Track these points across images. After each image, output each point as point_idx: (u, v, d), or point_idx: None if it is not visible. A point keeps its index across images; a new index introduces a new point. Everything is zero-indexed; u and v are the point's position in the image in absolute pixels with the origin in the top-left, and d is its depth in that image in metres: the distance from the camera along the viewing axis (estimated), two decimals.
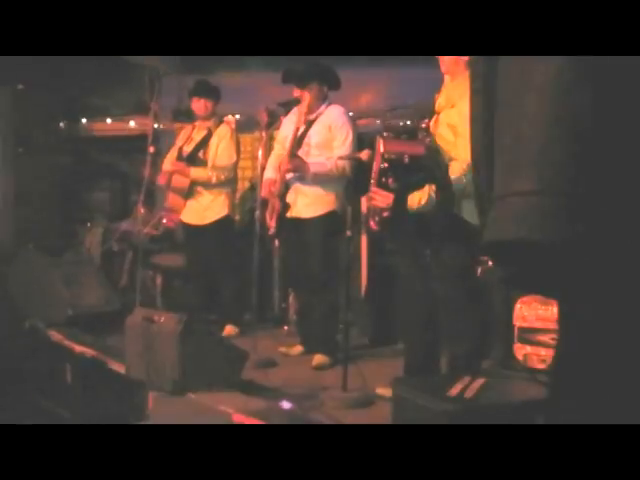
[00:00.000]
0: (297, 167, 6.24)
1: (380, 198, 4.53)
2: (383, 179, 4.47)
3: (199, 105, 7.42)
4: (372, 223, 4.77)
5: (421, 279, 4.88)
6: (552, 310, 5.29)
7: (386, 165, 4.43)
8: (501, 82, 1.99)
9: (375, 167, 4.65)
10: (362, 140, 6.49)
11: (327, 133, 6.26)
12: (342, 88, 6.51)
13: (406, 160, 4.40)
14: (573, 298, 2.05)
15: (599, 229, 1.81)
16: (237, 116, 8.65)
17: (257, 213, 6.57)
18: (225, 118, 7.59)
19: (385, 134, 4.63)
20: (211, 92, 7.47)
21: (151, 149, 8.07)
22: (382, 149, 4.46)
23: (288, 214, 6.40)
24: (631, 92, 1.80)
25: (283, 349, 6.64)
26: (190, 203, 7.42)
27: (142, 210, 8.29)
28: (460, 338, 4.78)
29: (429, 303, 4.84)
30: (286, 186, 6.39)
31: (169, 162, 7.58)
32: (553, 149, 1.82)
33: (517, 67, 1.91)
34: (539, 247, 1.86)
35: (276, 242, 7.57)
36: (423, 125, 4.78)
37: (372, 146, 6.56)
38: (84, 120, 10.45)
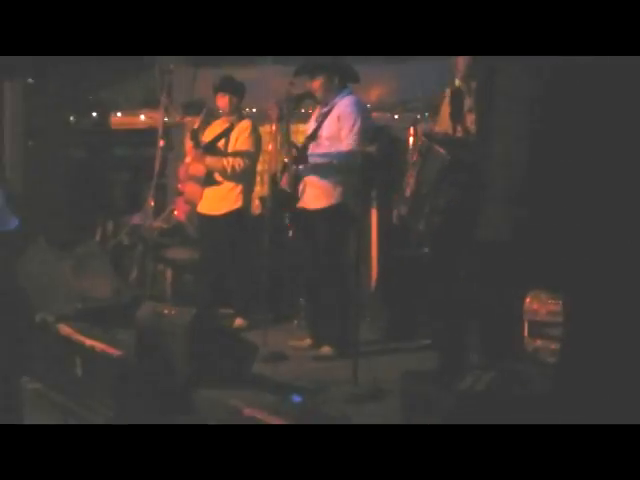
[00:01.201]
0: (297, 160, 6.33)
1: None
2: (452, 175, 4.49)
3: (224, 101, 7.46)
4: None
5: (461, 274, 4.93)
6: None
7: (453, 162, 4.46)
8: (489, 99, 2.01)
9: (431, 169, 4.65)
10: (372, 134, 6.49)
11: (336, 124, 6.28)
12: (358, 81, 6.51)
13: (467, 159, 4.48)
14: (573, 295, 2.07)
15: (584, 229, 1.84)
16: (253, 109, 8.63)
17: (268, 206, 6.59)
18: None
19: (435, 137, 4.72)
20: (236, 88, 7.50)
21: (161, 143, 8.08)
22: (442, 150, 4.50)
23: (298, 204, 6.44)
24: (599, 106, 1.82)
25: (293, 342, 6.65)
26: (207, 192, 7.47)
27: (153, 203, 8.31)
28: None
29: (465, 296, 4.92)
30: (297, 177, 6.43)
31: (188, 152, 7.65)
32: (523, 160, 1.85)
33: (500, 85, 1.94)
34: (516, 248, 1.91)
35: (289, 235, 7.59)
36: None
37: (381, 139, 6.57)
38: (94, 114, 10.45)
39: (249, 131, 7.42)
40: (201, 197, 7.51)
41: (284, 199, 6.60)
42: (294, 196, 6.47)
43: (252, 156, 7.44)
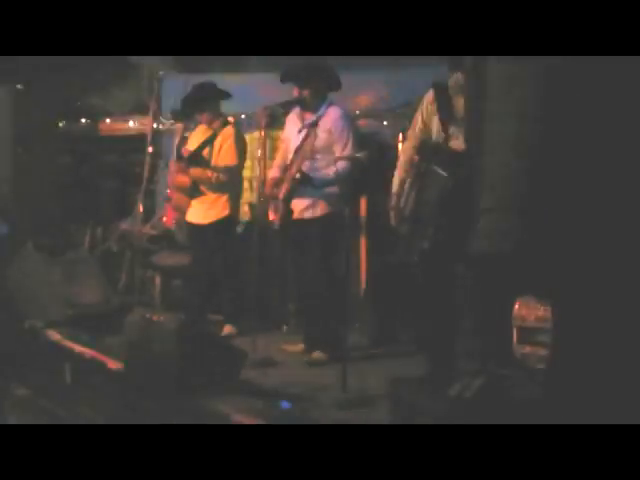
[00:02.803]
0: (302, 182, 6.30)
1: None
2: (415, 158, 4.56)
3: (202, 117, 7.42)
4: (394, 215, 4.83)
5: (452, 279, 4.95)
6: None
7: (418, 147, 4.53)
8: (486, 97, 2.01)
9: (403, 158, 4.71)
10: (361, 141, 6.50)
11: (328, 137, 6.26)
12: (341, 88, 6.50)
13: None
14: (563, 301, 2.08)
15: (571, 237, 1.84)
16: (242, 116, 8.59)
17: (257, 213, 6.58)
18: (230, 119, 7.54)
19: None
20: (213, 94, 7.45)
21: (150, 149, 8.06)
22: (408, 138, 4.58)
23: (293, 216, 6.43)
24: (606, 105, 1.82)
25: (286, 346, 6.65)
26: (194, 202, 7.43)
27: (141, 210, 8.29)
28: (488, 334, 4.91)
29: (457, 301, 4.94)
30: (292, 190, 6.43)
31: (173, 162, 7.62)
32: (509, 169, 1.86)
33: (494, 89, 1.94)
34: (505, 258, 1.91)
35: (275, 242, 7.59)
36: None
37: (370, 146, 6.57)
38: (83, 120, 10.43)
39: (233, 138, 7.35)
40: (189, 206, 7.49)
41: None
42: (287, 206, 6.47)
43: (237, 164, 7.39)
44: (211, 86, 7.48)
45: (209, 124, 7.43)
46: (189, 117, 7.77)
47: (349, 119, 6.40)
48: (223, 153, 7.30)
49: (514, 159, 1.85)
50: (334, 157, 6.16)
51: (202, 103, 7.37)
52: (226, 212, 7.37)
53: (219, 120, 7.44)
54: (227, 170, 7.26)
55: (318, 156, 6.25)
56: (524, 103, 1.86)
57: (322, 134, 6.27)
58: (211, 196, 7.35)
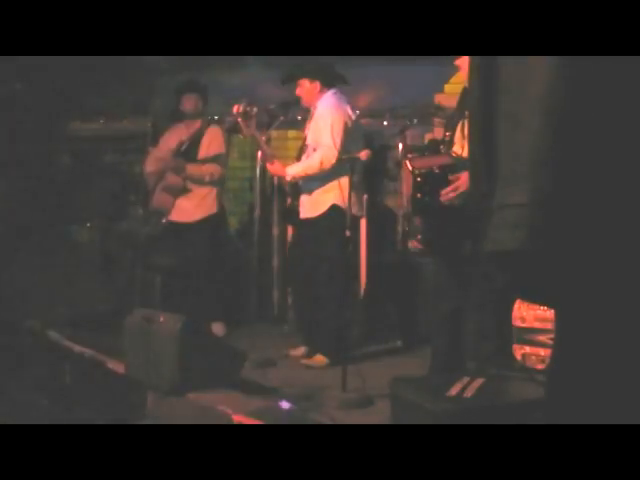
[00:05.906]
0: (276, 172, 6.35)
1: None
2: (418, 195, 4.56)
3: (190, 102, 7.44)
4: (414, 243, 4.85)
5: (454, 280, 4.95)
6: (551, 310, 5.28)
7: (419, 180, 4.53)
8: (499, 94, 2.00)
9: (406, 188, 4.73)
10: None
11: (315, 125, 6.27)
12: (341, 88, 6.49)
13: (436, 171, 4.52)
14: (570, 303, 2.07)
15: (590, 236, 1.83)
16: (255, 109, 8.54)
17: (256, 213, 6.59)
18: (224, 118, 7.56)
19: (410, 155, 4.78)
20: (203, 90, 7.50)
21: (150, 149, 8.06)
22: (410, 167, 4.56)
23: (301, 215, 6.42)
24: (624, 103, 1.81)
25: (292, 352, 6.59)
26: (179, 201, 7.44)
27: (141, 210, 8.29)
28: (489, 336, 4.90)
29: (459, 302, 4.94)
30: (296, 188, 6.43)
31: (156, 160, 7.58)
32: (545, 163, 1.84)
33: (514, 79, 1.93)
34: (535, 256, 1.89)
35: (275, 241, 7.59)
36: (446, 136, 4.85)
37: (370, 146, 6.58)
38: (82, 120, 10.42)
39: (221, 137, 7.39)
40: (172, 206, 7.48)
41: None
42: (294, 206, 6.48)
43: (224, 160, 7.44)
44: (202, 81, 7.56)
45: (192, 116, 7.44)
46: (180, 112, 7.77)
47: (336, 105, 6.32)
48: (212, 151, 7.33)
49: (528, 156, 1.84)
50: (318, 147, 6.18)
51: (199, 94, 7.44)
52: (213, 209, 7.39)
53: (204, 118, 7.49)
54: (218, 167, 7.28)
55: (312, 149, 6.26)
56: (539, 102, 1.85)
57: (313, 124, 6.29)
58: (198, 194, 7.36)
